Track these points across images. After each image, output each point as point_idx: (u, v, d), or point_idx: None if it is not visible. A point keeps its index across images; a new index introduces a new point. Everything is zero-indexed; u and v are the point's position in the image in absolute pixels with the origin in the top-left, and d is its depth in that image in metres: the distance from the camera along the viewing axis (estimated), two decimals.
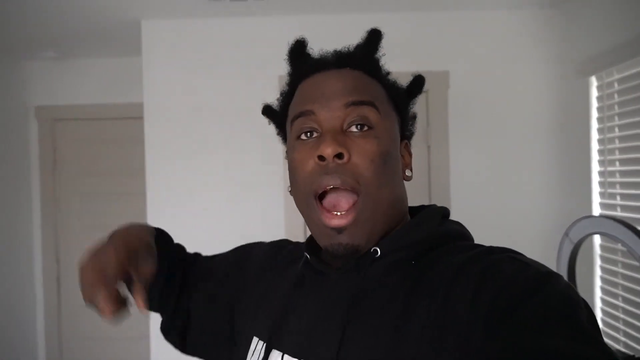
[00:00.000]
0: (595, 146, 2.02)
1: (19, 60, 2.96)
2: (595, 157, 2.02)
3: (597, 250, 2.00)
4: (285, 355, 0.62)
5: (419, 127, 1.49)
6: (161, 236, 0.82)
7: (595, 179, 2.02)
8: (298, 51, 0.70)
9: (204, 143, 2.31)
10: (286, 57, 0.71)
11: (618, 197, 1.88)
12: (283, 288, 0.71)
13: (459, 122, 2.27)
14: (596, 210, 2.01)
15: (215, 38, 2.31)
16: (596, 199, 2.02)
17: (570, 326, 0.45)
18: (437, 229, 0.63)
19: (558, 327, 0.45)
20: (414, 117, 0.73)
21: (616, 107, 1.89)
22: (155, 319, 2.31)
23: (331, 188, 0.59)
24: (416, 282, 0.57)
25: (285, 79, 0.72)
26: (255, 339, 0.69)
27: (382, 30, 0.68)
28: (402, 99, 0.69)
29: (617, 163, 1.89)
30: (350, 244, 0.60)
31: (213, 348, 0.81)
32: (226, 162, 2.30)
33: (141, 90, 2.33)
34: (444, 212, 0.67)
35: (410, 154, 0.71)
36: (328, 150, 0.57)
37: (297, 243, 0.82)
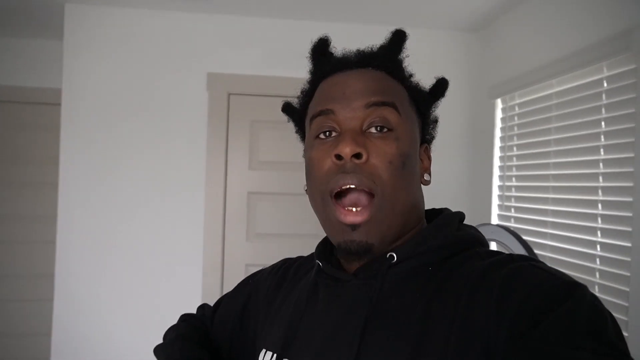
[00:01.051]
0: (497, 162, 2.23)
1: None
2: (496, 172, 2.23)
3: None
4: None
5: None
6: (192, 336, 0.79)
7: (496, 192, 2.22)
8: (320, 50, 0.68)
9: (124, 135, 2.24)
10: (308, 55, 0.69)
11: (512, 210, 2.09)
12: (296, 300, 0.68)
13: None
14: (495, 220, 2.21)
15: (143, 29, 2.26)
16: (495, 210, 2.22)
17: (598, 340, 0.44)
18: (455, 235, 0.61)
19: (586, 340, 0.44)
20: (436, 120, 0.73)
21: (515, 128, 2.10)
22: (59, 312, 2.19)
23: (348, 188, 0.58)
24: (436, 289, 0.55)
25: (307, 78, 0.71)
26: (263, 352, 0.67)
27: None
28: (424, 101, 0.68)
29: (514, 179, 2.10)
30: (363, 242, 0.58)
31: None
32: (147, 156, 2.25)
33: (60, 76, 2.23)
34: (461, 216, 0.66)
35: (429, 158, 0.70)
36: (346, 150, 0.56)
37: (303, 257, 0.79)
